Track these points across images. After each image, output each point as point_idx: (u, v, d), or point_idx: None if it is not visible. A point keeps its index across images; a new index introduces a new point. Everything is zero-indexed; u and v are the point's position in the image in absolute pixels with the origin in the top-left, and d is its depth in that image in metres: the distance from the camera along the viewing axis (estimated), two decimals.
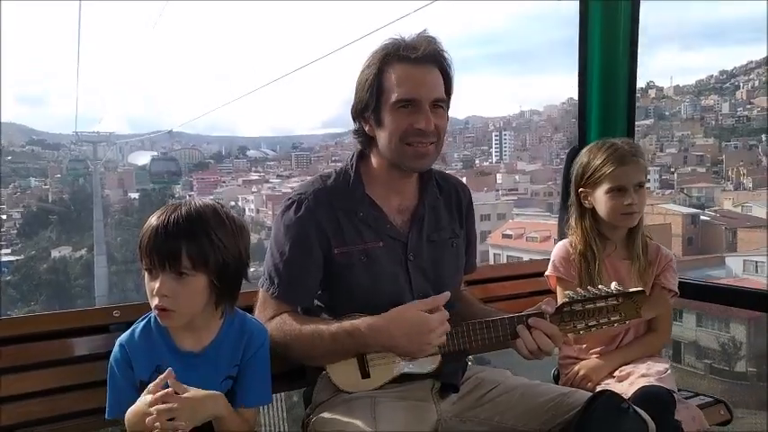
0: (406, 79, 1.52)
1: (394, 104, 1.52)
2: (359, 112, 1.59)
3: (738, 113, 52.62)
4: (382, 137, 1.57)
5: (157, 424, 1.24)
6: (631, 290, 1.54)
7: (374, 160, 1.63)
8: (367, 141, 1.62)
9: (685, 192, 40.35)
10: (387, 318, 1.47)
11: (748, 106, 53.03)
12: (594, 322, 1.53)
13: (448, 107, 1.61)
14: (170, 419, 1.25)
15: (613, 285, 1.54)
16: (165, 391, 1.27)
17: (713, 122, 52.93)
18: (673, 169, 45.37)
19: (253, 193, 50.39)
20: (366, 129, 1.60)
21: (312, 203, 1.56)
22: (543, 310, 1.52)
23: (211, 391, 1.35)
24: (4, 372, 1.52)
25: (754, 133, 48.28)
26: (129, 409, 1.33)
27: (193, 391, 1.30)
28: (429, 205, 1.67)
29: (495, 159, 57.80)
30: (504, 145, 58.59)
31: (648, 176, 2.03)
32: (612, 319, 1.53)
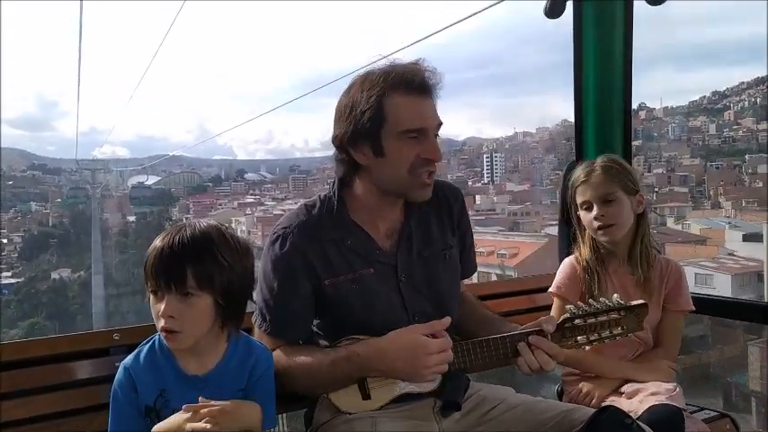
0: (413, 110, 1.50)
1: (401, 134, 1.50)
2: (351, 141, 1.53)
3: (725, 134, 53.74)
4: (383, 166, 1.53)
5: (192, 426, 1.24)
6: (633, 303, 1.53)
7: (360, 187, 1.59)
8: (353, 169, 1.57)
9: (657, 211, 41.38)
10: (384, 341, 1.46)
11: (735, 127, 54.10)
12: (596, 336, 1.53)
13: None
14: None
15: (615, 297, 1.54)
16: (202, 403, 1.28)
17: (700, 143, 54.07)
18: (656, 189, 46.42)
19: (245, 215, 51.66)
20: (358, 157, 1.54)
21: (297, 237, 1.54)
22: (544, 329, 1.50)
23: (248, 401, 1.37)
24: (6, 397, 1.51)
25: (739, 153, 49.30)
26: None
27: (228, 402, 1.32)
28: (416, 221, 1.65)
29: (486, 180, 58.81)
30: (495, 166, 59.66)
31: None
32: (614, 332, 1.53)
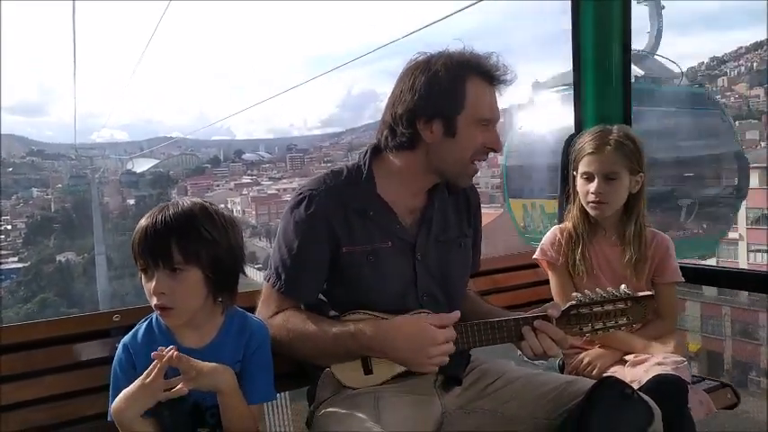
0: (490, 98, 1.55)
1: (478, 120, 1.53)
2: (423, 115, 1.52)
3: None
4: (450, 147, 1.54)
5: (154, 375, 1.27)
6: (640, 294, 1.54)
7: (402, 161, 1.59)
8: (408, 143, 1.56)
9: None
10: (392, 324, 1.46)
11: (727, 93, 54.02)
12: (601, 325, 1.53)
13: None
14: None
15: (622, 288, 1.54)
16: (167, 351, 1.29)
17: None
18: None
19: (241, 195, 52.77)
20: (425, 134, 1.53)
21: (323, 200, 1.55)
22: (549, 314, 1.51)
23: (220, 365, 1.37)
24: (7, 379, 1.51)
25: None
26: (115, 402, 1.32)
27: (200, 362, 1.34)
28: (438, 205, 1.66)
29: None
30: None
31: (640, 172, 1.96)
32: (619, 322, 1.53)
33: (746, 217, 25.39)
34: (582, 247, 1.97)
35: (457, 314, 1.48)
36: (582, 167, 1.96)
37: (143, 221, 1.36)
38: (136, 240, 1.35)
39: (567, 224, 2.04)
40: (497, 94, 1.58)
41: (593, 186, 1.92)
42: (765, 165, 29.26)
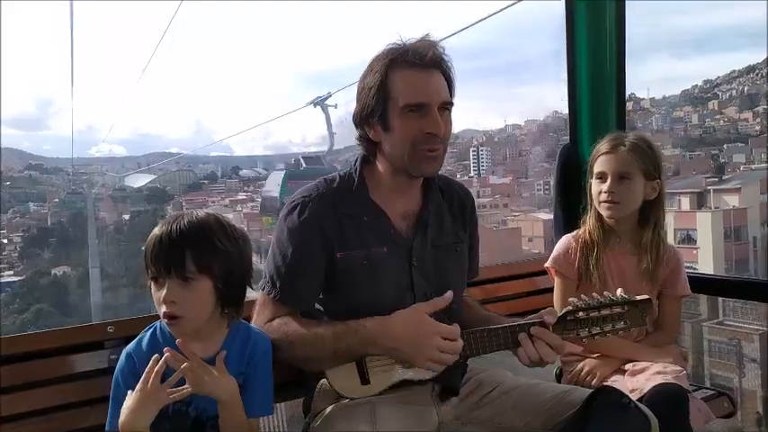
0: (414, 84, 1.52)
1: (403, 109, 1.52)
2: (364, 119, 1.57)
3: (706, 124, 54.65)
4: (390, 142, 1.55)
5: (153, 379, 1.27)
6: (637, 298, 1.52)
7: (379, 166, 1.62)
8: (371, 147, 1.61)
9: None
10: (391, 317, 1.47)
11: (717, 117, 54.97)
12: (598, 330, 1.52)
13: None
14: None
15: (619, 292, 1.53)
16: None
17: (682, 133, 55.01)
18: None
19: (234, 211, 53.30)
20: (371, 135, 1.58)
21: (316, 207, 1.55)
22: (545, 321, 1.50)
23: (224, 374, 1.37)
24: (1, 392, 1.50)
25: (718, 143, 50.22)
26: (121, 417, 1.30)
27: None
28: (433, 210, 1.66)
29: (473, 174, 59.78)
30: (481, 160, 60.57)
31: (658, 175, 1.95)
32: (617, 327, 1.51)
33: (674, 237, 25.94)
34: (597, 254, 1.96)
35: (450, 294, 1.50)
36: (596, 168, 1.98)
37: (157, 230, 1.37)
38: (149, 248, 1.35)
39: (581, 232, 2.04)
40: (434, 77, 1.54)
41: (605, 186, 1.93)
42: (695, 190, 30.07)
